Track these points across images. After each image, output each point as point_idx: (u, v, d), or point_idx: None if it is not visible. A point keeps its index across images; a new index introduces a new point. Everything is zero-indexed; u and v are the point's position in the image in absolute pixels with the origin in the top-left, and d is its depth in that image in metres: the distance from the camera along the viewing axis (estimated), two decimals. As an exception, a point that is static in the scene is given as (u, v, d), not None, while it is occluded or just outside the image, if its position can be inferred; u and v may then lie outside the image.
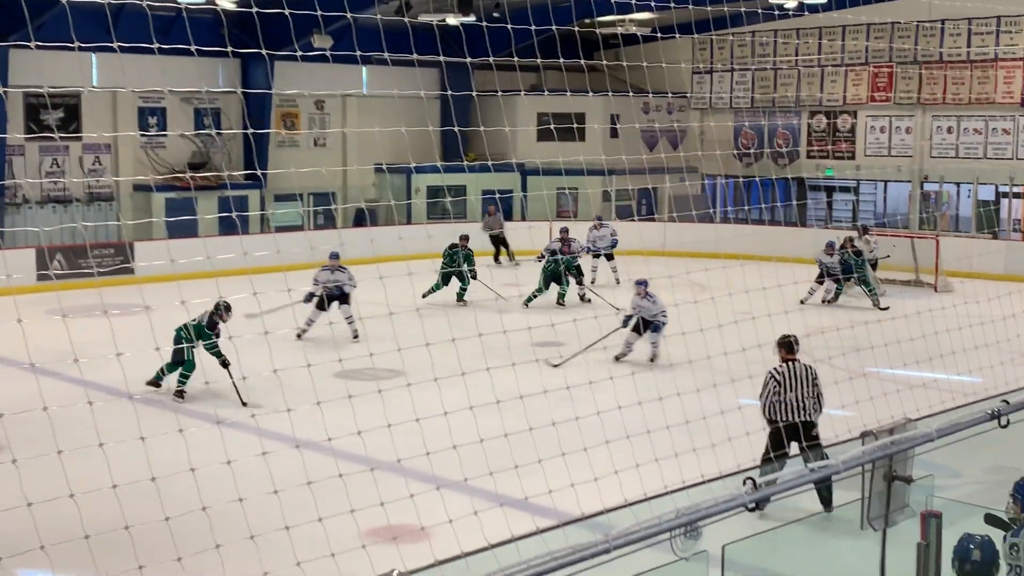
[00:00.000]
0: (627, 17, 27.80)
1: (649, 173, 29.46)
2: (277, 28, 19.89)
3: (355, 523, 5.17)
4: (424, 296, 18.89)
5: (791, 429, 8.75)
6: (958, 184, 29.54)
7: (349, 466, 6.93)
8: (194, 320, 13.13)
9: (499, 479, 5.79)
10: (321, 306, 16.49)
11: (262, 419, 8.27)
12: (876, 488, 3.88)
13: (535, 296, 19.80)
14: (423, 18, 23.39)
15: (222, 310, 13.13)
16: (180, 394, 13.13)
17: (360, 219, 28.70)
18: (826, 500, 8.35)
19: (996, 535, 5.82)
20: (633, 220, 26.64)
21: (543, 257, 20.55)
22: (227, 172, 26.62)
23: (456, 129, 24.39)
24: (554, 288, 20.17)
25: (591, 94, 29.11)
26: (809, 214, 31.66)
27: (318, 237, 23.75)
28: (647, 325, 15.20)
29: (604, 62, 29.65)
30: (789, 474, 3.86)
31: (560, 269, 20.07)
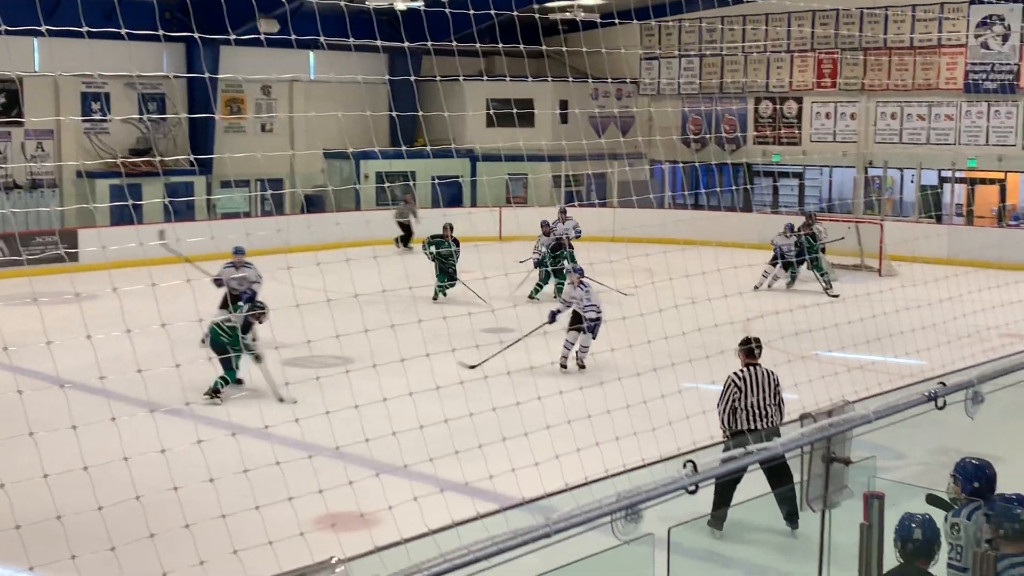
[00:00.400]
0: (576, 3, 27.79)
1: (598, 159, 29.52)
2: (222, 13, 19.61)
3: (294, 511, 5.09)
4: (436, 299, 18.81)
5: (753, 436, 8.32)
6: (902, 169, 29.85)
7: (289, 453, 6.85)
8: (229, 322, 12.68)
9: (440, 465, 5.75)
10: (224, 307, 14.83)
11: (198, 408, 8.14)
12: (815, 470, 3.87)
13: (539, 288, 20.06)
14: (371, 3, 23.11)
15: (260, 312, 12.70)
16: (216, 392, 12.27)
17: (308, 205, 28.48)
18: (792, 515, 8.06)
19: (938, 515, 5.87)
20: (582, 205, 26.63)
21: (538, 254, 20.49)
22: (173, 158, 26.27)
23: (397, 115, 24.25)
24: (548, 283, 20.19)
25: (540, 80, 29.07)
26: (755, 199, 31.86)
27: (265, 223, 23.55)
28: (579, 320, 14.25)
29: (553, 48, 29.58)
30: (728, 456, 3.83)
31: (559, 262, 19.89)
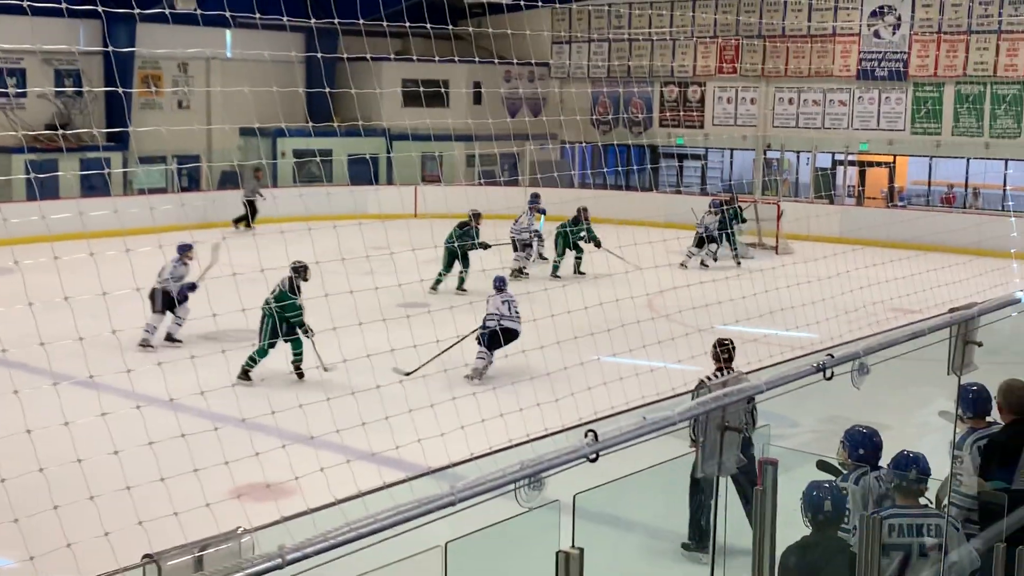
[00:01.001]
0: (489, -14, 27.59)
1: (512, 139, 29.45)
2: (139, -11, 19.08)
3: (200, 483, 4.97)
4: (432, 289, 17.88)
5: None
6: (798, 152, 30.33)
7: (195, 425, 6.68)
8: (272, 291, 11.61)
9: (346, 436, 5.67)
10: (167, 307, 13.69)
11: (102, 380, 7.88)
12: (710, 438, 3.87)
13: (557, 264, 20.32)
14: (288, -18, 22.76)
15: (302, 271, 11.71)
16: (247, 375, 11.20)
17: (226, 181, 27.97)
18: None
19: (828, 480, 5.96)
20: (492, 183, 26.59)
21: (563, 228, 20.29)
22: (89, 131, 25.55)
23: (306, 91, 23.89)
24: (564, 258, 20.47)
25: (455, 61, 28.88)
26: (661, 180, 32.12)
27: (183, 199, 23.05)
28: (508, 336, 12.49)
29: (467, 30, 29.40)
30: (629, 426, 3.81)
31: (573, 238, 20.09)
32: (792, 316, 10.84)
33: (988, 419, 6.46)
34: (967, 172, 27.85)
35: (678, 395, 6.91)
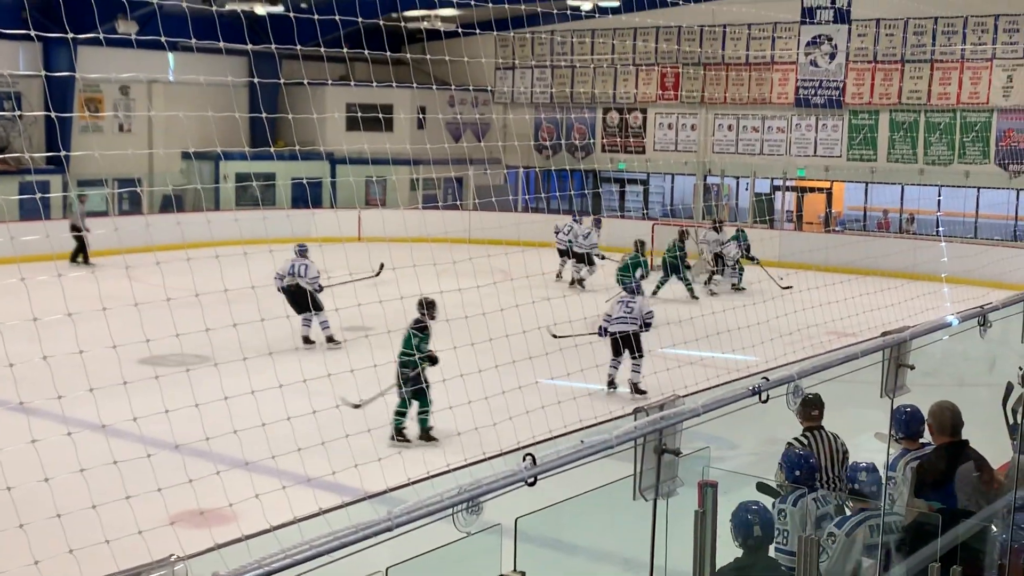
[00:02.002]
0: (433, 13, 27.65)
1: (454, 163, 29.45)
2: (81, 12, 18.85)
3: (132, 510, 4.86)
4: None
5: None
6: (737, 178, 30.68)
7: (127, 452, 6.55)
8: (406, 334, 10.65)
9: (282, 461, 5.60)
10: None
11: (31, 406, 7.70)
12: (647, 461, 3.87)
13: (661, 285, 20.82)
14: (230, 6, 22.61)
15: (427, 308, 10.92)
16: (401, 433, 9.95)
17: (167, 205, 27.63)
18: None
19: (767, 501, 5.99)
20: (430, 208, 26.54)
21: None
22: (28, 155, 25.13)
23: (250, 116, 23.70)
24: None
25: (398, 86, 28.87)
26: (603, 204, 32.30)
27: (123, 222, 22.72)
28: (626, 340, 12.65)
29: (412, 56, 29.43)
30: (567, 449, 3.80)
31: (677, 261, 20.89)
32: (732, 339, 10.92)
33: (921, 440, 6.55)
34: (902, 198, 28.34)
35: (616, 418, 6.91)
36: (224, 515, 6.51)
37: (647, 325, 13.13)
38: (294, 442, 5.01)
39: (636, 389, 12.60)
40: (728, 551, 5.48)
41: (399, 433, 9.96)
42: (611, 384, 12.94)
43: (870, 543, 5.93)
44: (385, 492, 5.57)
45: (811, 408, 7.17)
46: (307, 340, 14.07)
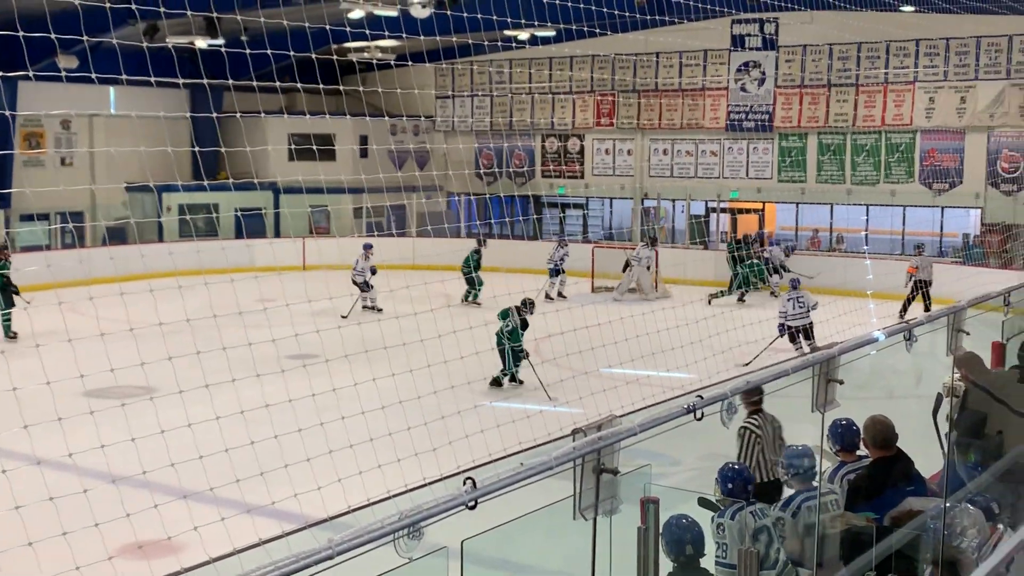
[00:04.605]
0: (373, 44, 27.60)
1: (398, 191, 29.37)
2: (21, 48, 18.51)
3: (101, 537, 4.73)
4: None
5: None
6: (673, 200, 30.93)
7: (94, 481, 6.42)
8: (508, 327, 13.78)
9: (220, 491, 5.48)
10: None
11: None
12: (586, 481, 3.83)
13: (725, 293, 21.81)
14: (171, 40, 22.36)
15: (529, 307, 14.00)
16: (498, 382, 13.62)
17: (112, 237, 27.18)
18: None
19: (706, 515, 5.99)
20: (382, 235, 26.43)
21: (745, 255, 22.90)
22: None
23: (193, 147, 23.43)
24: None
25: (341, 116, 28.78)
26: (544, 229, 32.40)
27: (59, 256, 22.30)
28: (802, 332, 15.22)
29: (352, 87, 29.34)
30: (507, 472, 3.75)
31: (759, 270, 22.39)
32: (670, 357, 10.96)
33: (858, 452, 6.58)
34: (831, 217, 28.75)
35: (555, 439, 6.88)
36: (163, 547, 6.38)
37: (814, 307, 15.17)
38: (232, 472, 4.90)
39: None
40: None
41: (497, 382, 13.61)
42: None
43: (808, 523, 5.97)
44: (325, 520, 5.48)
45: (751, 395, 7.57)
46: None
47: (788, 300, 15.35)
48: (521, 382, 13.89)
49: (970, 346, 6.56)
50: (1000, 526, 6.04)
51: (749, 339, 11.68)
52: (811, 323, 15.08)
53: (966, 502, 5.89)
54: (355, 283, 20.99)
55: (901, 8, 22.87)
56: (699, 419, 3.89)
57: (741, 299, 22.09)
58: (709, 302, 20.87)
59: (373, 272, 20.90)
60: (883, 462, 6.19)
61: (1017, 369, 7.36)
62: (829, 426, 6.38)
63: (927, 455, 6.78)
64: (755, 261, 23.21)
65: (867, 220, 27.51)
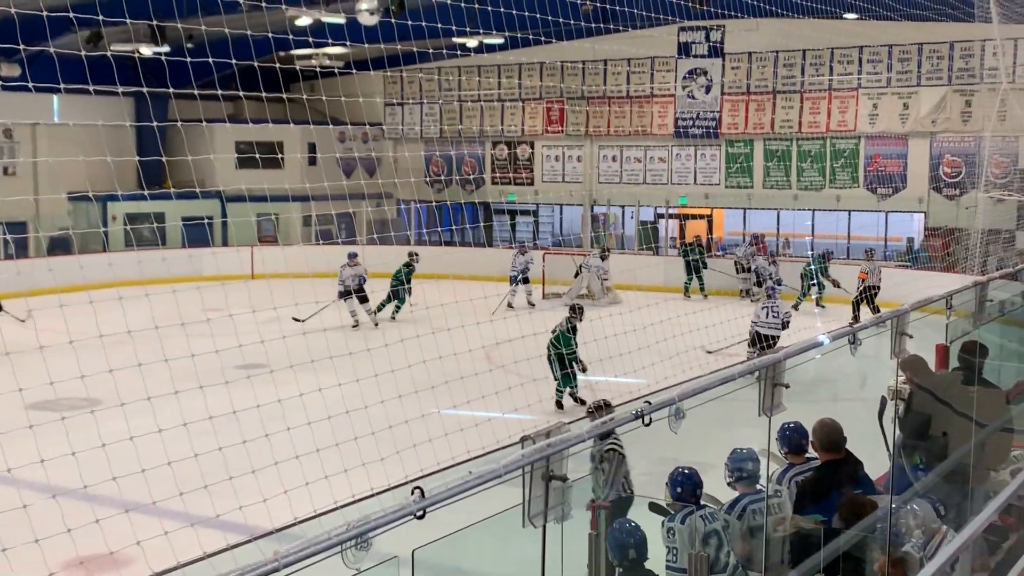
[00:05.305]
0: (321, 51, 27.46)
1: (347, 199, 29.21)
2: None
3: (42, 553, 4.63)
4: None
5: None
6: (623, 207, 31.09)
7: (34, 496, 6.29)
8: (553, 331, 13.78)
9: (164, 504, 5.39)
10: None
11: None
12: (535, 489, 3.81)
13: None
14: (115, 48, 22.08)
15: (579, 313, 13.95)
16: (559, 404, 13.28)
17: (56, 247, 26.75)
18: None
19: (654, 520, 6.01)
20: (335, 243, 26.26)
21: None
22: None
23: (139, 159, 23.15)
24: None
25: (289, 124, 28.58)
26: (495, 235, 32.40)
27: (3, 268, 21.89)
28: (765, 340, 14.92)
29: (297, 96, 29.15)
30: (455, 480, 3.72)
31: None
32: (620, 363, 10.97)
33: (806, 455, 6.63)
34: (778, 222, 29.05)
35: (503, 447, 6.86)
36: (106, 563, 6.27)
37: (786, 325, 15.27)
38: (176, 485, 4.82)
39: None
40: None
41: (560, 405, 13.35)
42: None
43: (754, 525, 6.03)
44: (272, 532, 5.41)
45: (608, 411, 8.00)
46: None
47: (763, 308, 15.51)
48: (583, 402, 13.11)
49: (914, 349, 6.64)
50: (945, 527, 6.12)
51: (697, 344, 11.75)
52: (778, 336, 15.07)
53: (913, 503, 5.96)
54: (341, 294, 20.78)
55: (844, 16, 23.18)
56: (647, 424, 3.89)
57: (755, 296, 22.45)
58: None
59: (363, 280, 20.68)
60: (831, 464, 6.25)
61: (960, 371, 7.46)
62: (778, 429, 6.42)
63: (874, 457, 6.84)
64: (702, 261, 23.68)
65: (813, 225, 27.83)
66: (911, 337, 6.28)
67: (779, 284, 21.92)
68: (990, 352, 7.90)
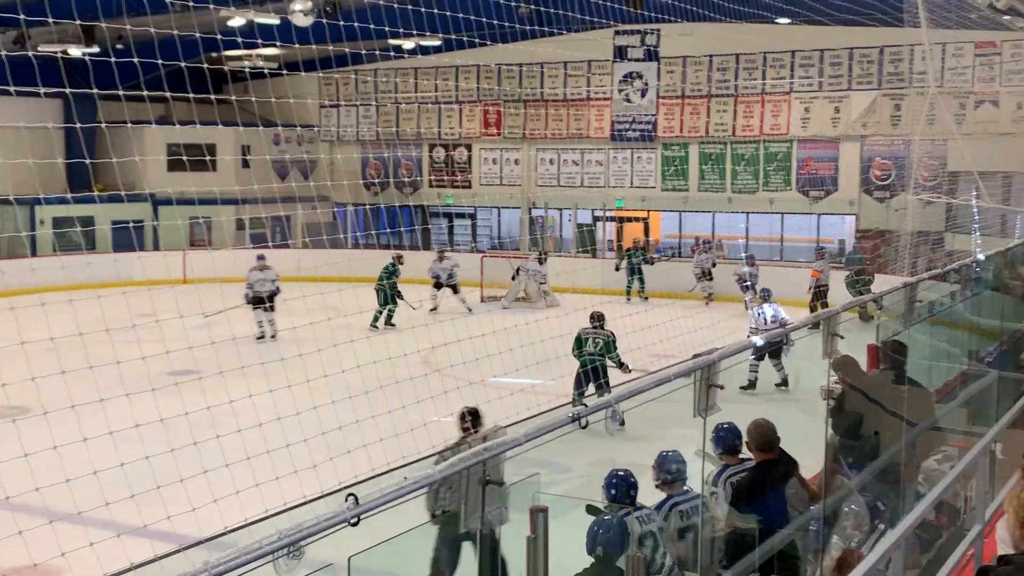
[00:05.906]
0: (254, 52, 27.16)
1: (282, 202, 28.93)
2: None
3: None
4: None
5: None
6: (561, 209, 31.18)
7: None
8: (596, 343, 13.36)
9: (88, 514, 5.28)
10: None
11: None
12: (472, 493, 3.79)
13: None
14: (44, 48, 21.63)
15: (599, 320, 13.55)
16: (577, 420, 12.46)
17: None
18: None
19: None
20: (262, 247, 25.99)
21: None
22: None
23: (66, 161, 22.66)
24: None
25: (221, 125, 28.23)
26: (432, 238, 32.30)
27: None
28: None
29: (230, 97, 28.80)
30: (390, 487, 3.68)
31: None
32: (557, 366, 10.99)
33: (740, 455, 6.70)
34: (713, 225, 29.34)
35: (438, 452, 6.82)
36: (29, 574, 6.12)
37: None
38: (102, 495, 4.72)
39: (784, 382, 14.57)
40: (562, 571, 5.45)
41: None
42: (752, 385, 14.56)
43: (681, 527, 6.07)
44: (201, 542, 5.32)
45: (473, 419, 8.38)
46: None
47: (758, 315, 15.35)
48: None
49: (846, 349, 6.73)
50: (882, 525, 6.22)
51: (634, 346, 11.81)
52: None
53: (851, 502, 6.05)
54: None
55: (776, 20, 23.49)
56: (583, 427, 3.89)
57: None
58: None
59: (277, 290, 19.81)
60: (765, 464, 6.31)
61: (890, 371, 7.59)
62: (712, 430, 6.47)
63: (810, 457, 6.92)
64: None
65: (747, 228, 28.17)
66: (842, 338, 6.37)
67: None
68: (921, 352, 8.05)
